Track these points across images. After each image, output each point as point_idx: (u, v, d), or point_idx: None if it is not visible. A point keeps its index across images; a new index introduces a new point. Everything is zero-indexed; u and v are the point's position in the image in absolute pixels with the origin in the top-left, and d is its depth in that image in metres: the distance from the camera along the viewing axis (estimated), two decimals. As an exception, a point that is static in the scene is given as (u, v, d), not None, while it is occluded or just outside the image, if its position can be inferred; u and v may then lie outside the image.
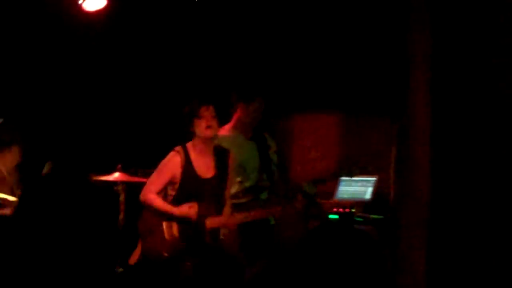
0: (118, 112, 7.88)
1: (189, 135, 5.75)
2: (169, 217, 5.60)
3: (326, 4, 7.37)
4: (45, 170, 5.24)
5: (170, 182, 5.68)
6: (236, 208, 5.92)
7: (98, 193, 6.75)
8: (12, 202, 5.61)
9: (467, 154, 6.13)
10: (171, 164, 5.68)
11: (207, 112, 5.61)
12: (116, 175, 6.64)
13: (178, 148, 5.73)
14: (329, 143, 7.89)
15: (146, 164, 7.04)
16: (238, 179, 6.13)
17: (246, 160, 6.18)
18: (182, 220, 5.58)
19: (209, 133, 5.65)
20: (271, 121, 6.98)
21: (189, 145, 5.73)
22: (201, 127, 5.63)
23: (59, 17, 7.14)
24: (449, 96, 6.05)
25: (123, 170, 6.68)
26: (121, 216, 6.65)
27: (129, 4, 7.39)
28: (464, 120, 6.16)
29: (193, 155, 5.70)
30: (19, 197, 5.39)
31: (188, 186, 5.66)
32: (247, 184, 6.17)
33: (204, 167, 5.73)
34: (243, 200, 6.10)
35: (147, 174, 6.81)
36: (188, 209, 5.58)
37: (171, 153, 5.73)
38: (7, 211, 5.47)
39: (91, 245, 6.36)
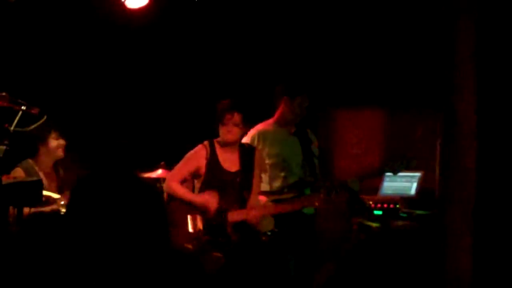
0: (162, 109, 7.91)
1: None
2: (192, 207, 5.67)
3: (371, 1, 7.33)
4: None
5: (196, 175, 5.81)
6: (278, 203, 5.92)
7: (147, 190, 6.79)
8: (56, 199, 5.64)
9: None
10: (197, 155, 5.82)
11: (231, 120, 5.71)
12: (159, 172, 6.67)
13: (206, 142, 5.86)
14: (373, 139, 7.83)
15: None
16: (282, 174, 6.11)
17: (290, 155, 6.15)
18: (203, 210, 5.66)
19: (228, 139, 5.77)
20: (315, 116, 6.95)
21: (216, 140, 5.86)
22: (222, 132, 5.78)
23: (103, 14, 7.17)
24: (495, 94, 5.96)
25: (166, 167, 6.70)
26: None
27: (171, 2, 7.41)
28: (511, 112, 6.06)
29: (218, 149, 5.82)
30: (69, 195, 5.41)
31: (212, 178, 5.77)
32: (291, 179, 6.12)
33: (229, 161, 5.84)
34: (288, 196, 6.02)
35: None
36: (208, 197, 5.69)
37: (198, 146, 5.87)
38: (50, 208, 5.50)
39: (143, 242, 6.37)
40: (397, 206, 6.60)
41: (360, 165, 7.44)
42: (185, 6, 7.57)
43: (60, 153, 5.99)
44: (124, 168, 5.57)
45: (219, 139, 5.83)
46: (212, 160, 5.80)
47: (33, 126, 5.29)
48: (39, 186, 4.85)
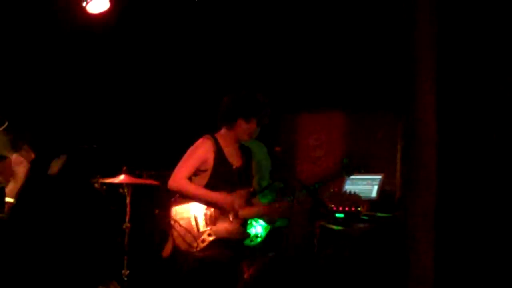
0: (123, 114, 7.90)
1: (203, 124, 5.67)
2: (202, 204, 5.43)
3: (330, 4, 7.38)
4: (53, 168, 5.20)
5: (199, 171, 5.46)
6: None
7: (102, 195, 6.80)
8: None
9: (473, 150, 6.15)
10: (203, 148, 5.47)
11: (254, 121, 5.52)
12: (121, 177, 6.67)
13: (207, 135, 5.55)
14: (334, 141, 7.90)
15: (151, 166, 7.09)
16: (257, 177, 6.03)
17: (261, 159, 6.18)
18: (224, 208, 5.41)
19: (248, 139, 5.58)
20: (277, 119, 6.98)
21: (218, 135, 5.57)
22: (245, 131, 5.52)
23: (65, 19, 7.14)
24: (455, 92, 6.07)
25: (128, 172, 6.70)
26: (127, 218, 6.67)
27: (134, 5, 7.41)
28: (470, 116, 6.18)
29: (222, 144, 5.54)
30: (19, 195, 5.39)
31: (220, 173, 5.47)
32: (264, 183, 6.14)
33: (233, 156, 5.57)
34: (264, 200, 5.96)
35: (152, 176, 6.87)
36: (226, 196, 5.40)
37: (201, 139, 5.54)
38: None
39: (95, 246, 6.38)
40: (359, 209, 6.65)
41: (322, 168, 7.51)
42: (146, 9, 7.58)
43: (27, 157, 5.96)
44: (81, 174, 5.56)
45: (224, 132, 5.57)
46: (219, 154, 5.48)
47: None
48: (1, 193, 4.83)
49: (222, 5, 7.60)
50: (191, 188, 5.40)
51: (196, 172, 5.46)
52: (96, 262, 6.63)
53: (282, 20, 7.63)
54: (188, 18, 7.67)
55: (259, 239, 5.92)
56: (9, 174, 5.89)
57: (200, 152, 5.45)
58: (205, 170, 5.46)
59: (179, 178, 5.38)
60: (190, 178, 5.44)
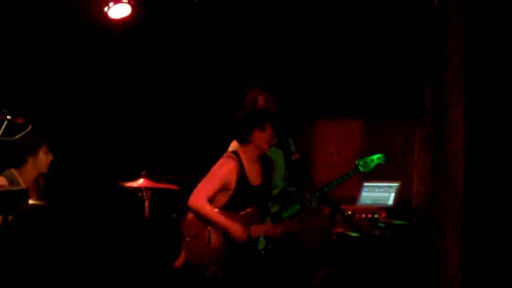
0: (143, 119, 7.94)
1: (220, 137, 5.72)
2: (215, 227, 5.46)
3: (349, 13, 7.42)
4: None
5: (222, 189, 5.49)
6: (272, 217, 5.84)
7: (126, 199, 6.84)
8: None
9: (502, 154, 6.17)
10: (227, 170, 5.49)
11: (270, 128, 5.54)
12: (140, 182, 6.70)
13: (231, 154, 5.57)
14: (352, 149, 7.91)
15: (170, 171, 7.13)
16: None
17: (276, 167, 6.08)
18: (233, 237, 5.44)
19: (267, 147, 5.57)
20: (297, 125, 7.00)
21: (240, 151, 5.59)
22: (263, 140, 5.52)
23: (86, 24, 7.20)
24: (484, 94, 6.10)
25: (147, 176, 6.73)
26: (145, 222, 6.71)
27: (155, 10, 7.46)
28: (499, 120, 6.21)
29: (245, 162, 5.55)
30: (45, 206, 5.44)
31: (241, 194, 5.51)
32: (275, 191, 6.07)
33: (254, 174, 5.59)
34: (274, 209, 5.96)
35: (171, 181, 6.89)
36: (237, 229, 5.44)
37: (225, 159, 5.55)
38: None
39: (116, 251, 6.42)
40: (375, 216, 6.66)
41: (339, 175, 7.52)
42: (168, 12, 7.63)
43: (45, 168, 6.00)
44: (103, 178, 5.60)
45: (245, 148, 5.57)
46: (242, 176, 5.50)
47: (19, 136, 5.32)
48: (25, 194, 4.88)
49: (243, 11, 7.64)
50: (208, 211, 5.41)
51: (221, 189, 5.50)
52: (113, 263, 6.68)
53: (302, 27, 7.66)
54: (209, 24, 7.72)
55: (263, 252, 5.89)
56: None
57: (223, 174, 5.48)
58: (228, 190, 5.51)
59: (199, 198, 5.42)
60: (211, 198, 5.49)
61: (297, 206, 5.95)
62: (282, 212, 5.93)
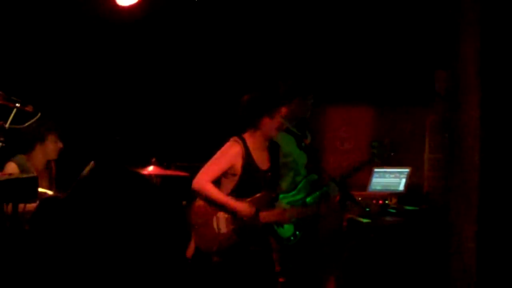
0: (152, 106, 7.95)
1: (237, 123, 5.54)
2: (222, 209, 5.39)
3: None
4: (86, 171, 5.20)
5: (228, 174, 5.43)
6: (303, 207, 5.81)
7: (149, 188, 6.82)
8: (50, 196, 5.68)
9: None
10: (232, 153, 5.41)
11: (280, 115, 5.48)
12: (150, 169, 6.66)
13: (236, 138, 5.48)
14: (362, 135, 7.90)
15: (180, 157, 7.12)
16: (291, 173, 5.96)
17: (298, 155, 5.99)
18: (239, 216, 5.38)
19: (276, 134, 5.52)
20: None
21: (246, 136, 5.49)
22: (272, 127, 5.45)
23: (94, 11, 7.20)
24: (499, 97, 6.08)
25: (157, 163, 6.72)
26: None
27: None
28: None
29: (251, 146, 5.46)
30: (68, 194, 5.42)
31: (249, 178, 5.43)
32: (298, 179, 5.99)
33: (261, 159, 5.50)
34: (299, 196, 5.91)
35: (181, 168, 6.88)
36: (245, 207, 5.38)
37: (230, 143, 5.47)
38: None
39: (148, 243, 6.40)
40: (386, 202, 6.65)
41: (350, 161, 7.51)
42: (176, 3, 7.62)
43: (54, 155, 6.04)
44: (120, 165, 5.59)
45: (253, 133, 5.48)
46: (248, 159, 5.42)
47: (28, 123, 5.34)
48: (35, 182, 4.87)
49: (252, 2, 7.64)
50: (213, 192, 5.36)
51: (225, 175, 5.44)
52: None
53: (313, 13, 7.65)
54: (218, 13, 7.71)
55: (292, 239, 5.86)
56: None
57: (228, 157, 5.41)
58: (234, 174, 5.43)
59: (203, 180, 5.36)
60: (218, 180, 5.43)
61: (319, 192, 5.91)
62: (306, 198, 5.91)
